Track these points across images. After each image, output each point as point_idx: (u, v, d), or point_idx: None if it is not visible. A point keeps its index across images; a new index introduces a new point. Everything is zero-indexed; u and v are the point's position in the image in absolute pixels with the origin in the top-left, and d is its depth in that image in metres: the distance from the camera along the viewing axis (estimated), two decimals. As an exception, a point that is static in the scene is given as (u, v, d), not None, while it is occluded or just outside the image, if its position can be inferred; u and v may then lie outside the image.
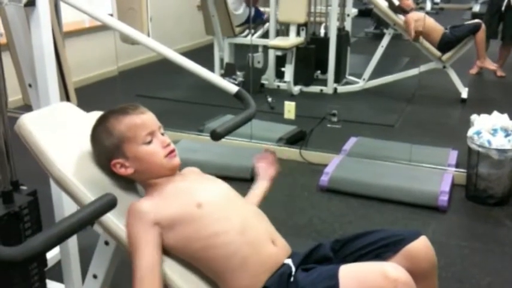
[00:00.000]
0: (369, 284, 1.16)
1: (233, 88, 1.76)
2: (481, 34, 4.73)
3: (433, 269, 1.33)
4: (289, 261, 1.34)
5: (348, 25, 5.26)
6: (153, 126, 1.38)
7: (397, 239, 1.31)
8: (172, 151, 1.38)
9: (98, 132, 1.38)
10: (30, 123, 1.38)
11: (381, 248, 1.31)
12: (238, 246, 1.29)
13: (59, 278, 2.01)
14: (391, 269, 1.17)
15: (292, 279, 1.28)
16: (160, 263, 1.27)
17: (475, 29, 4.69)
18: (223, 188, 1.44)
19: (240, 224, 1.32)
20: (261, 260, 1.31)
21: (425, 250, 1.31)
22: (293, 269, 1.31)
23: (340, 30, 5.07)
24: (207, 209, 1.32)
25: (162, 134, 1.40)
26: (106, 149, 1.36)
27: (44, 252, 1.05)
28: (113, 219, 1.30)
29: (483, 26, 4.71)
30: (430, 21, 4.76)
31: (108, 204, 1.15)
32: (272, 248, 1.34)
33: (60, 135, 1.41)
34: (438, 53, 4.69)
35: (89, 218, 1.12)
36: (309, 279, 1.25)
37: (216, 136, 1.53)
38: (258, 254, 1.31)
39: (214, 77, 1.83)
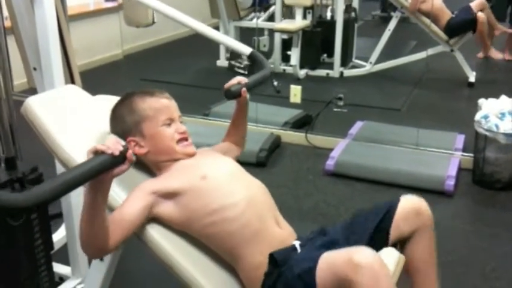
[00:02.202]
0: (336, 268, 1.18)
1: (247, 50, 1.77)
2: (481, 27, 4.65)
3: (429, 217, 1.41)
4: (296, 242, 1.36)
5: (355, 3, 5.20)
6: (174, 113, 1.41)
7: (386, 212, 1.39)
8: (186, 138, 1.41)
9: (120, 108, 1.41)
10: (36, 105, 1.39)
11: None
12: (248, 220, 1.31)
13: (66, 261, 2.02)
14: (357, 254, 1.15)
15: (299, 250, 1.32)
16: (133, 225, 1.25)
17: (471, 23, 4.61)
18: (229, 163, 1.46)
19: (248, 198, 1.34)
20: (268, 238, 1.32)
21: (413, 206, 1.40)
22: (298, 248, 1.33)
23: (348, 8, 4.99)
24: (211, 181, 1.34)
25: (181, 122, 1.43)
26: (125, 125, 1.38)
27: (48, 201, 1.03)
28: (118, 201, 1.30)
29: (480, 19, 4.62)
30: (438, 4, 4.70)
31: (122, 157, 1.12)
32: (277, 229, 1.36)
33: (67, 118, 1.41)
34: (445, 37, 4.64)
35: (97, 169, 1.09)
36: (297, 256, 1.30)
37: (230, 94, 1.52)
38: (265, 231, 1.33)
39: (228, 40, 1.91)
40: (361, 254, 1.15)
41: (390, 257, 1.34)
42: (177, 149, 1.39)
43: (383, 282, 1.12)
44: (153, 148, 1.37)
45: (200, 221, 1.31)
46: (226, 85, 1.54)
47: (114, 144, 1.12)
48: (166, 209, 1.31)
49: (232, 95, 1.53)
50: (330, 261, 1.21)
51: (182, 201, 1.31)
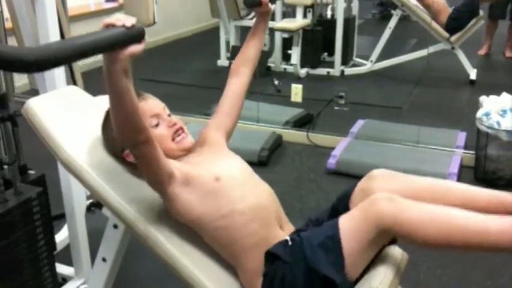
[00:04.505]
0: (359, 213, 1.22)
1: None
2: None
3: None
4: (287, 237, 1.35)
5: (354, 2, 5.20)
6: (157, 109, 1.36)
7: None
8: (178, 130, 1.36)
9: (106, 129, 1.37)
10: (37, 107, 1.38)
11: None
12: (254, 228, 1.30)
13: (69, 262, 2.03)
14: (372, 196, 1.22)
15: (290, 243, 1.29)
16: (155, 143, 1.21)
17: (474, 2, 4.59)
18: (239, 163, 1.43)
19: (256, 205, 1.33)
20: (271, 240, 1.32)
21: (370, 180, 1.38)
22: (288, 239, 1.32)
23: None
24: (224, 184, 1.31)
25: (169, 115, 1.38)
26: (116, 143, 1.34)
27: (59, 61, 0.92)
28: (121, 202, 1.30)
29: None
30: (440, 1, 4.70)
31: (138, 33, 1.05)
32: (280, 233, 1.36)
33: (68, 119, 1.41)
34: (446, 34, 4.64)
35: (108, 40, 1.00)
36: (310, 232, 1.30)
37: (250, 2, 1.45)
38: (270, 235, 1.32)
39: None
40: (376, 195, 1.22)
41: (392, 255, 1.34)
42: (173, 146, 1.35)
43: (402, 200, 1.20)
44: None
45: (210, 223, 1.29)
46: None
47: (125, 17, 1.05)
48: (183, 195, 1.28)
49: (252, 1, 1.45)
50: (349, 215, 1.25)
51: (196, 190, 1.28)
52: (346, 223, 1.24)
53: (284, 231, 1.37)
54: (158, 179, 1.26)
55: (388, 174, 1.38)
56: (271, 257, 1.29)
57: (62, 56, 0.92)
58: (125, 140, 1.20)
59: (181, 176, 1.28)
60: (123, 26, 1.03)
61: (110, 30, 1.01)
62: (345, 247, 1.21)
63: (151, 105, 1.36)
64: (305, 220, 1.45)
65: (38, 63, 0.88)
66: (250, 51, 1.56)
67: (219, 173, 1.32)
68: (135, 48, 1.06)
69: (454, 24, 4.62)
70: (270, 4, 1.50)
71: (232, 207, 1.30)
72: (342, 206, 1.37)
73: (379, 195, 1.21)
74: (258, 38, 1.57)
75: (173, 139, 1.36)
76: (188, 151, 1.39)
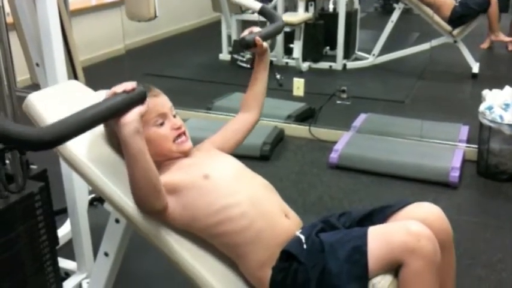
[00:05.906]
0: (394, 241, 1.22)
1: (256, 5, 1.79)
2: (494, 7, 4.65)
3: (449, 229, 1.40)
4: (298, 233, 1.35)
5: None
6: (165, 109, 1.37)
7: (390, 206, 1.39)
8: (180, 134, 1.38)
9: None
10: (38, 102, 1.38)
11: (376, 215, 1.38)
12: (253, 219, 1.29)
13: (71, 256, 2.03)
14: (414, 225, 1.23)
15: (305, 246, 1.29)
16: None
17: (485, 4, 4.60)
18: (232, 162, 1.44)
19: (252, 197, 1.32)
20: (275, 233, 1.31)
21: (424, 214, 1.34)
22: (302, 238, 1.31)
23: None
24: (214, 181, 1.32)
25: (174, 116, 1.39)
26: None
27: (68, 136, 1.04)
28: (122, 197, 1.30)
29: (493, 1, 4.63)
30: (441, -5, 4.68)
31: (139, 95, 1.14)
32: (286, 221, 1.35)
33: (69, 114, 1.40)
34: (449, 28, 4.62)
35: (113, 106, 1.10)
36: (335, 237, 1.29)
37: (244, 44, 1.50)
38: (272, 227, 1.31)
39: None
40: (417, 224, 1.23)
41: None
42: (174, 148, 1.36)
43: (438, 249, 1.23)
44: (149, 149, 1.26)
45: (203, 221, 1.30)
46: (241, 36, 1.53)
47: (126, 84, 1.15)
48: (170, 205, 1.29)
49: (247, 43, 1.50)
50: (384, 235, 1.24)
51: (184, 198, 1.30)
52: (379, 237, 1.24)
53: (290, 220, 1.37)
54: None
55: (442, 219, 1.40)
56: (285, 254, 1.29)
57: (76, 130, 1.05)
58: (143, 207, 1.26)
59: (167, 189, 1.29)
60: (124, 91, 1.13)
61: (113, 98, 1.12)
62: (370, 265, 1.21)
63: (159, 103, 1.37)
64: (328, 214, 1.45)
65: (56, 140, 1.01)
66: (258, 87, 1.61)
67: (209, 171, 1.34)
68: (140, 109, 1.16)
69: (460, 19, 4.60)
70: (264, 44, 1.53)
71: (226, 201, 1.30)
72: (382, 215, 1.37)
73: (428, 235, 1.22)
74: (263, 74, 1.62)
75: (174, 140, 1.37)
76: (185, 154, 1.40)
